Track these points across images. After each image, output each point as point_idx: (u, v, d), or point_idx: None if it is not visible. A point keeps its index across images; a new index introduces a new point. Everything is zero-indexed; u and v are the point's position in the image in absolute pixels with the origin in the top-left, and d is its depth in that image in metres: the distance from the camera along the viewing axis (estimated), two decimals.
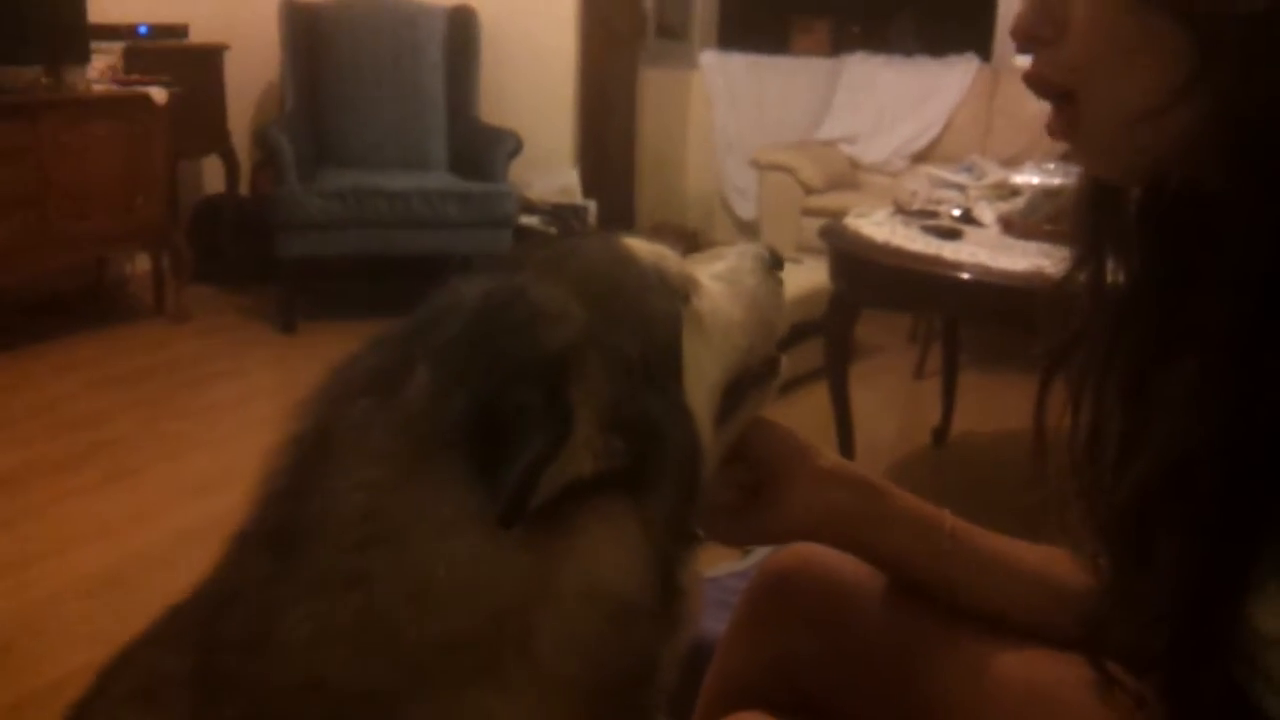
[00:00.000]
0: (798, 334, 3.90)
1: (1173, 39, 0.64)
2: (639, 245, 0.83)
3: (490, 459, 0.65)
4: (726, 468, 0.88)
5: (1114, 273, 0.82)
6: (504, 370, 0.67)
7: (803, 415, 3.65)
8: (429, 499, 0.67)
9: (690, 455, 0.76)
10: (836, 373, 3.01)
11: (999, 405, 3.50)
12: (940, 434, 3.49)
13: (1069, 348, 0.84)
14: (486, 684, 0.67)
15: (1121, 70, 0.68)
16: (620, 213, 5.68)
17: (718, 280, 0.88)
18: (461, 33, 5.10)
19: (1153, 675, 0.75)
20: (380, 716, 0.66)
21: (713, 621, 1.53)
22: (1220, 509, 0.66)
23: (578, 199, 5.30)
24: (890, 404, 3.89)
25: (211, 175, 5.20)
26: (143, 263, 4.86)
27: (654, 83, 6.08)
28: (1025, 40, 0.73)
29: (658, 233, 5.80)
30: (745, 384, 0.87)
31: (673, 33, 6.19)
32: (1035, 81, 0.73)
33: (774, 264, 0.93)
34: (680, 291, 0.82)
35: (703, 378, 0.80)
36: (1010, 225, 2.78)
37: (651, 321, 0.77)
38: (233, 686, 0.68)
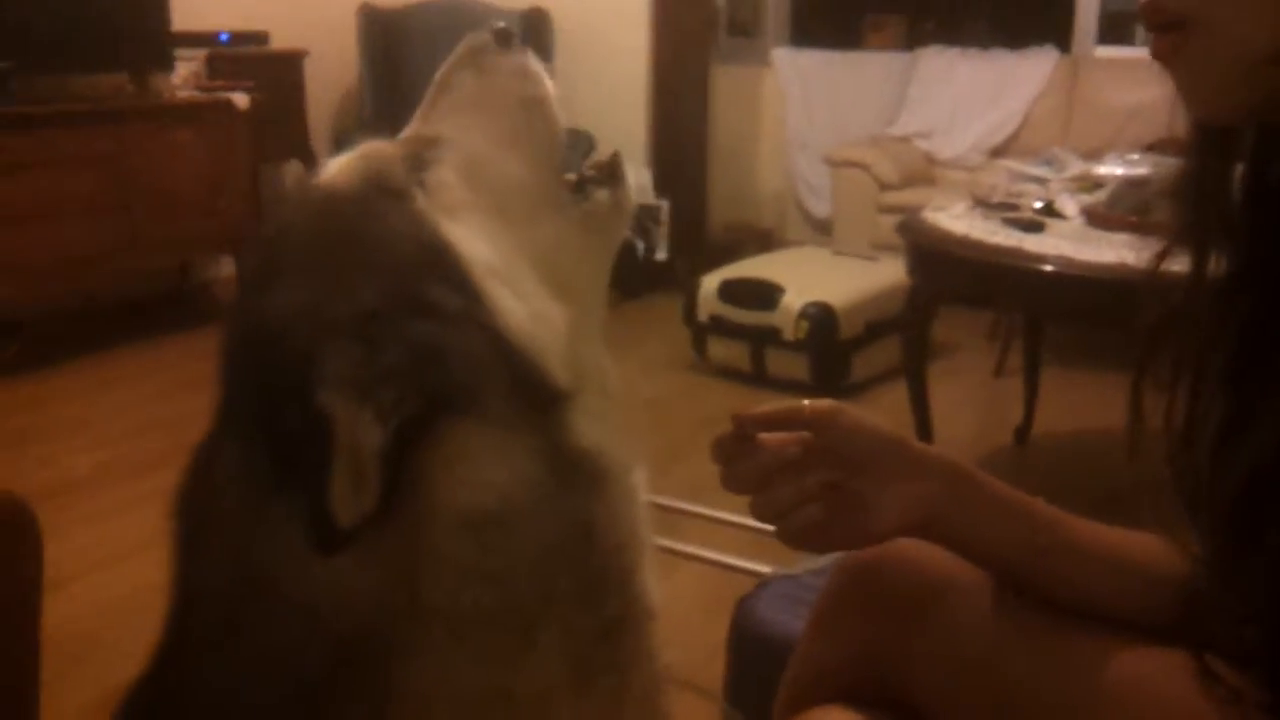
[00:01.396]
0: (874, 332, 3.86)
1: None
2: (342, 175, 0.77)
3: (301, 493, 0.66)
4: (813, 475, 0.84)
5: (1216, 258, 0.79)
6: (274, 409, 0.67)
7: (881, 414, 3.60)
8: (277, 550, 0.69)
9: (490, 338, 0.71)
10: (915, 370, 2.96)
11: (1082, 403, 3.43)
12: (1022, 432, 3.42)
13: (1167, 330, 0.81)
14: (395, 656, 0.69)
15: (1252, 4, 0.65)
16: (693, 212, 5.66)
17: (456, 112, 0.83)
18: (535, 35, 5.12)
19: (1251, 668, 0.73)
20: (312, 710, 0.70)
21: (791, 618, 1.52)
22: None
23: (651, 199, 5.29)
24: (970, 402, 3.82)
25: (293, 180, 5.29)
26: (226, 266, 4.95)
27: (726, 80, 6.06)
28: None
29: (730, 232, 5.74)
30: (586, 185, 0.84)
31: (744, 30, 6.16)
32: (1152, 10, 0.69)
33: (500, 41, 0.85)
34: (406, 189, 0.76)
35: (493, 234, 0.77)
36: (1095, 217, 2.72)
37: (386, 252, 0.72)
38: None
